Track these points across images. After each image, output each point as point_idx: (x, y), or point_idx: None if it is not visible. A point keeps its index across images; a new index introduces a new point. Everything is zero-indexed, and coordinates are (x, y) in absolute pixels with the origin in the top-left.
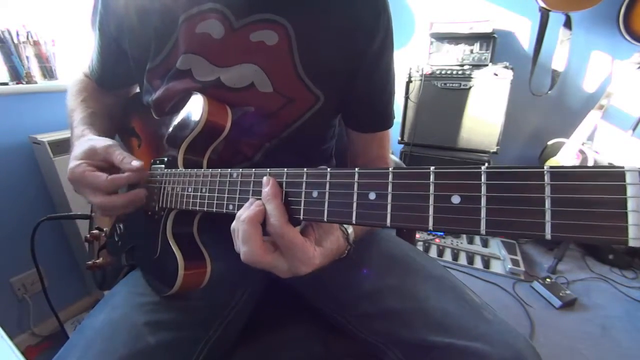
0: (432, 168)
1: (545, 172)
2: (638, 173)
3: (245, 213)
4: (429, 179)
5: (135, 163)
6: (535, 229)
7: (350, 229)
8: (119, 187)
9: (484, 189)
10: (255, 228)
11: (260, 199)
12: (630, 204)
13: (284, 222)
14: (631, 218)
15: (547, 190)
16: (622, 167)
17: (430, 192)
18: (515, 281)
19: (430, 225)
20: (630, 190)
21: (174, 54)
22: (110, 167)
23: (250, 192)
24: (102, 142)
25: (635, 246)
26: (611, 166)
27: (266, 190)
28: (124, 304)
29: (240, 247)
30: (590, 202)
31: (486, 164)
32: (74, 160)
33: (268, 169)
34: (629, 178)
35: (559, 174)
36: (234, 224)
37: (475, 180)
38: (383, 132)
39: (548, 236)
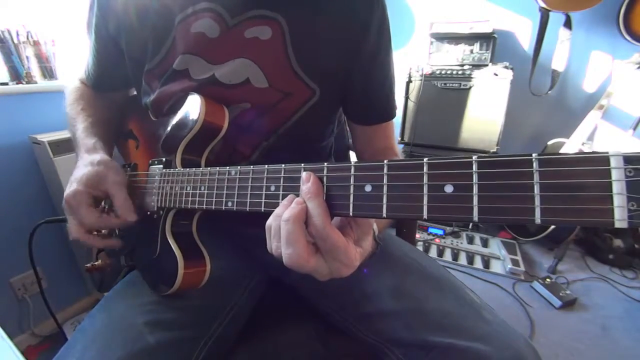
0: (425, 159)
1: (533, 159)
2: (622, 158)
3: (288, 211)
4: (423, 170)
5: (132, 216)
6: (526, 214)
7: (374, 225)
8: (106, 229)
9: (475, 177)
10: (301, 228)
11: (297, 195)
12: (615, 187)
13: (327, 223)
14: (616, 200)
15: (536, 176)
16: (607, 152)
17: (424, 182)
18: (515, 281)
19: (425, 215)
20: (614, 174)
21: (172, 55)
22: (108, 197)
23: (249, 187)
24: (112, 175)
25: (621, 227)
26: (596, 152)
27: (307, 186)
28: (123, 304)
29: (284, 249)
30: (577, 186)
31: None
32: (77, 184)
33: (266, 166)
34: (613, 162)
35: (546, 160)
36: (271, 221)
37: (466, 169)
38: (387, 123)
39: (538, 220)
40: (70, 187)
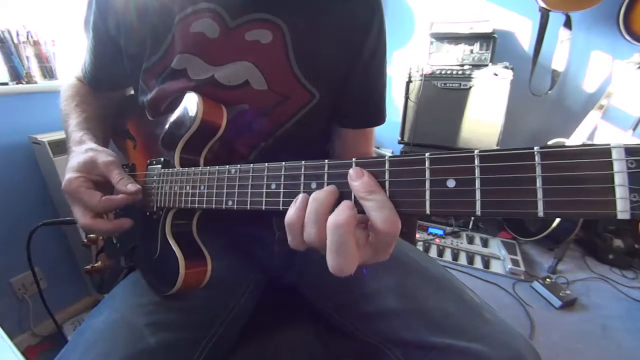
0: (427, 154)
1: (535, 152)
2: (623, 149)
3: (338, 215)
4: (425, 165)
5: (132, 187)
6: (528, 207)
7: None
8: (112, 209)
9: (477, 171)
10: (353, 236)
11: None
12: (617, 179)
13: (399, 220)
14: (618, 192)
15: (538, 169)
16: (609, 144)
17: (426, 177)
18: (515, 281)
19: (427, 210)
20: (616, 166)
21: (170, 54)
22: (106, 183)
23: (249, 186)
24: (102, 156)
25: (623, 218)
26: (598, 144)
27: (363, 181)
28: (124, 305)
29: (333, 257)
30: (579, 179)
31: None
32: (71, 172)
33: (266, 164)
34: (614, 154)
35: (548, 153)
36: (312, 223)
37: (468, 163)
38: (371, 128)
39: (541, 214)
40: (67, 175)
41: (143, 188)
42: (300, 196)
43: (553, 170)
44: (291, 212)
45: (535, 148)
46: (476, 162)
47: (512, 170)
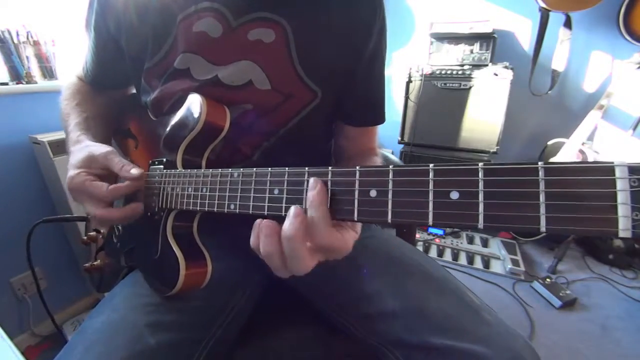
0: (431, 165)
1: (539, 167)
2: (627, 168)
3: (289, 229)
4: (429, 176)
5: (135, 171)
6: (531, 222)
7: None
8: (120, 196)
9: (481, 184)
10: (304, 244)
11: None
12: (620, 197)
13: (328, 234)
14: (620, 210)
15: (542, 185)
16: (612, 162)
17: (430, 188)
18: (515, 281)
19: (430, 221)
20: (619, 184)
21: (173, 54)
22: (110, 175)
23: (252, 190)
24: (100, 149)
25: (624, 237)
26: (601, 161)
27: (313, 194)
28: (124, 305)
29: (289, 262)
30: (582, 195)
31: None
32: (73, 169)
33: (269, 169)
34: (618, 172)
35: (552, 169)
36: (268, 239)
37: (472, 176)
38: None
39: (543, 229)
40: (69, 173)
41: (145, 188)
42: (267, 230)
43: (556, 186)
44: (264, 246)
45: (540, 163)
46: (480, 175)
47: (515, 185)
